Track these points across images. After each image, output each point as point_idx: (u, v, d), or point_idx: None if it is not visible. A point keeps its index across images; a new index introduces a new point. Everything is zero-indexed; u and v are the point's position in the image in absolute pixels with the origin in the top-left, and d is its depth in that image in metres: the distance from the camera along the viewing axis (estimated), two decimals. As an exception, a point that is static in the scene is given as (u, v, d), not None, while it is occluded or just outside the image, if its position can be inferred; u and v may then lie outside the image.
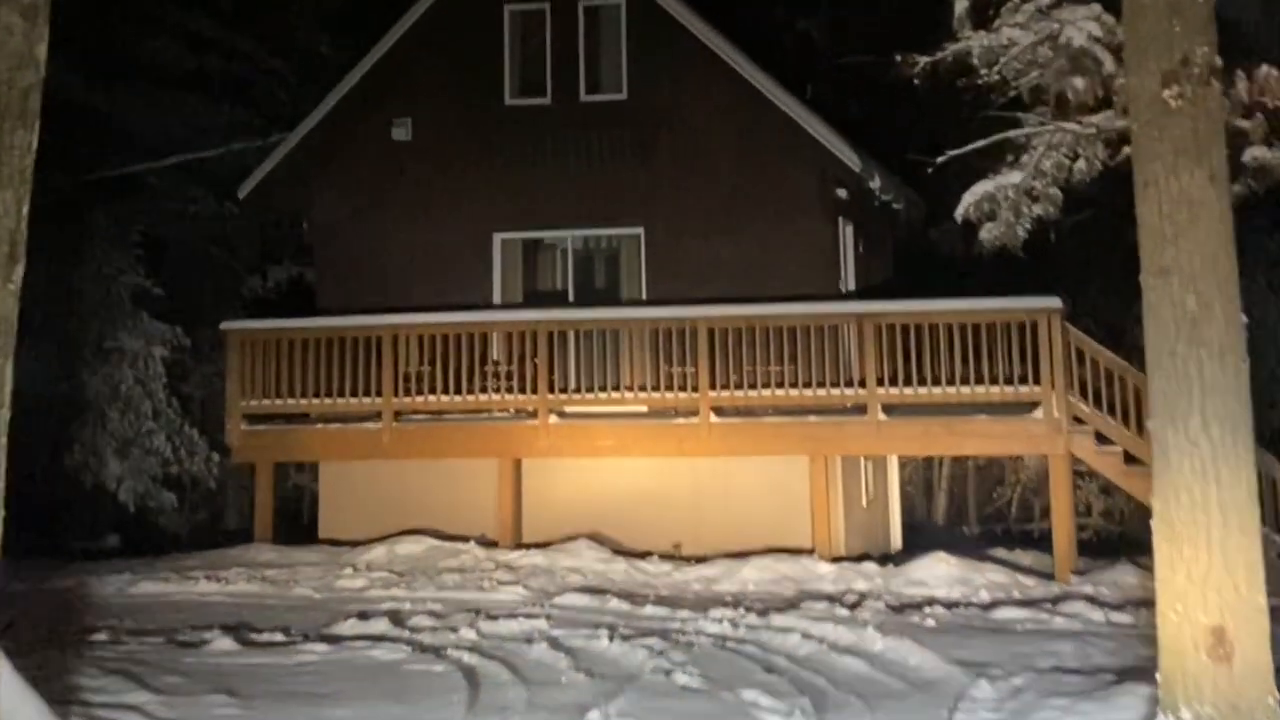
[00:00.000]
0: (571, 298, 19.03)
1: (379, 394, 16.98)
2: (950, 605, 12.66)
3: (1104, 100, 12.48)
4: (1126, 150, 9.39)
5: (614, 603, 12.68)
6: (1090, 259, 26.27)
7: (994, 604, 12.89)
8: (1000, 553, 18.48)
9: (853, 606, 12.33)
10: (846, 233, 19.46)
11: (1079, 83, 11.98)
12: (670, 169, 18.78)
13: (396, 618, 11.75)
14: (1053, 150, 13.67)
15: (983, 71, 13.15)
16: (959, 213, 14.52)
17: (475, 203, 19.17)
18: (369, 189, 19.44)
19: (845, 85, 24.13)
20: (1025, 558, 18.21)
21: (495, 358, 17.53)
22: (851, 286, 19.41)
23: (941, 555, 15.31)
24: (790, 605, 12.65)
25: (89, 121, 22.67)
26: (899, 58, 13.44)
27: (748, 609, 12.16)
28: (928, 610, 12.26)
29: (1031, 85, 13.02)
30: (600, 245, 19.61)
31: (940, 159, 14.34)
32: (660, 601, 13.01)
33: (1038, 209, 14.02)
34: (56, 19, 6.62)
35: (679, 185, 18.77)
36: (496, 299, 19.00)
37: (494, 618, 11.67)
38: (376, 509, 17.84)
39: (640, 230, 18.89)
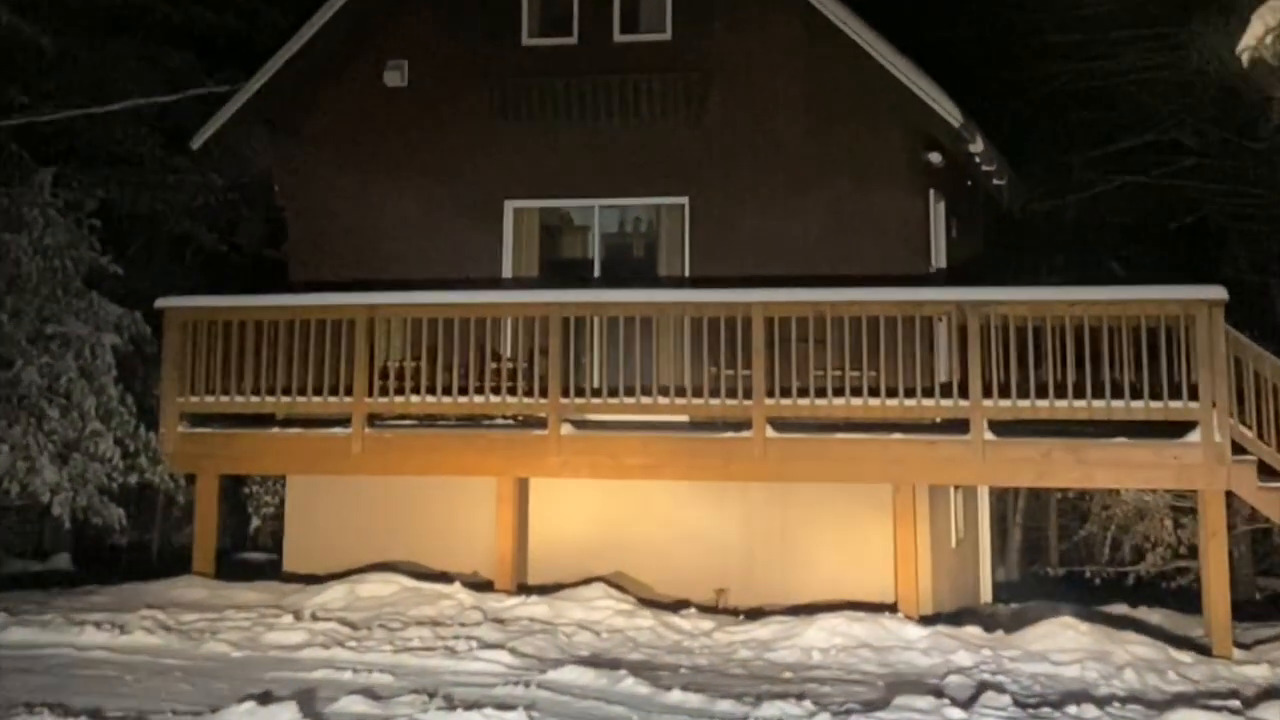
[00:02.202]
0: (598, 280, 15.50)
1: (350, 393, 13.49)
2: (1103, 702, 8.91)
3: None
4: None
5: (628, 683, 9.08)
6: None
7: (1165, 703, 9.14)
8: (1118, 609, 14.85)
9: (967, 703, 8.62)
10: (938, 211, 15.82)
11: None
12: (722, 125, 15.25)
13: (310, 702, 8.19)
14: None
15: None
16: (1243, 46, 9.87)
17: (484, 164, 15.70)
18: (354, 144, 15.99)
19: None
20: (1152, 615, 14.59)
21: (500, 350, 14.04)
22: (942, 276, 15.74)
23: (1067, 619, 11.65)
24: (878, 698, 8.99)
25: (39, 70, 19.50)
26: None
27: (817, 703, 8.53)
28: (1074, 711, 8.55)
29: None
30: (635, 219, 16.07)
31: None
32: (693, 682, 9.41)
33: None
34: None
35: (733, 145, 15.24)
36: (507, 279, 15.49)
37: (452, 707, 8.10)
38: (350, 536, 14.45)
39: (684, 200, 15.35)
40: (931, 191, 15.40)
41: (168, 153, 21.83)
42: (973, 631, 11.54)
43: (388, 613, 11.87)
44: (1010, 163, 17.68)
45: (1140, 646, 11.26)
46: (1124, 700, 8.99)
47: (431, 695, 8.44)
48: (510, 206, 15.67)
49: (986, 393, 12.35)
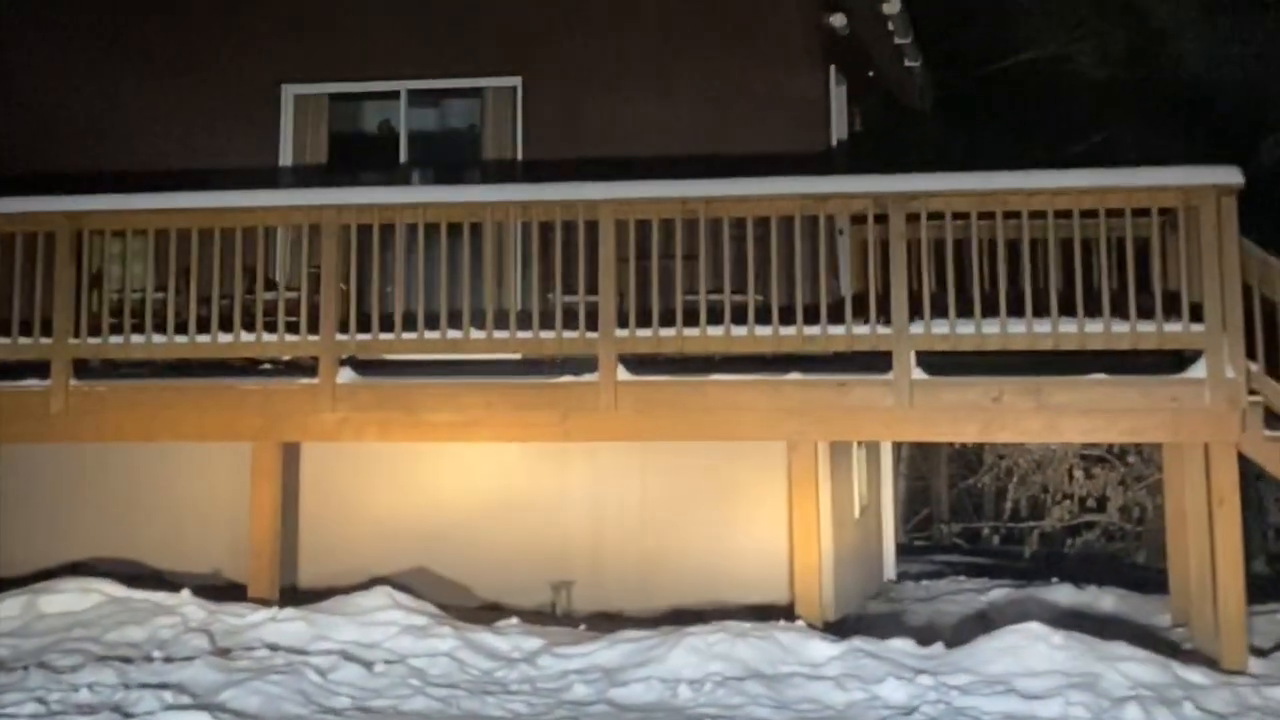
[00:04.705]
0: (410, 182, 12.00)
1: (48, 332, 9.83)
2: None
3: None
4: None
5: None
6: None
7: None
8: (1063, 593, 11.70)
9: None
10: (839, 95, 12.45)
11: None
12: (565, -14, 11.78)
13: None
14: None
15: None
16: None
17: (254, 38, 12.06)
18: (88, 14, 12.26)
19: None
20: (1104, 598, 11.46)
21: (268, 273, 10.47)
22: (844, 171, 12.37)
23: (1034, 628, 8.32)
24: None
25: None
26: None
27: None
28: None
29: None
30: (452, 106, 12.55)
31: None
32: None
33: None
34: None
35: (578, 12, 11.76)
36: (286, 178, 11.89)
37: None
38: (66, 525, 10.76)
39: (517, 81, 11.84)
40: (833, 69, 12.05)
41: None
42: (902, 647, 8.23)
43: (75, 638, 8.28)
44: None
45: (1136, 665, 8.00)
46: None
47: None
48: (290, 92, 12.05)
49: (916, 315, 9.02)
